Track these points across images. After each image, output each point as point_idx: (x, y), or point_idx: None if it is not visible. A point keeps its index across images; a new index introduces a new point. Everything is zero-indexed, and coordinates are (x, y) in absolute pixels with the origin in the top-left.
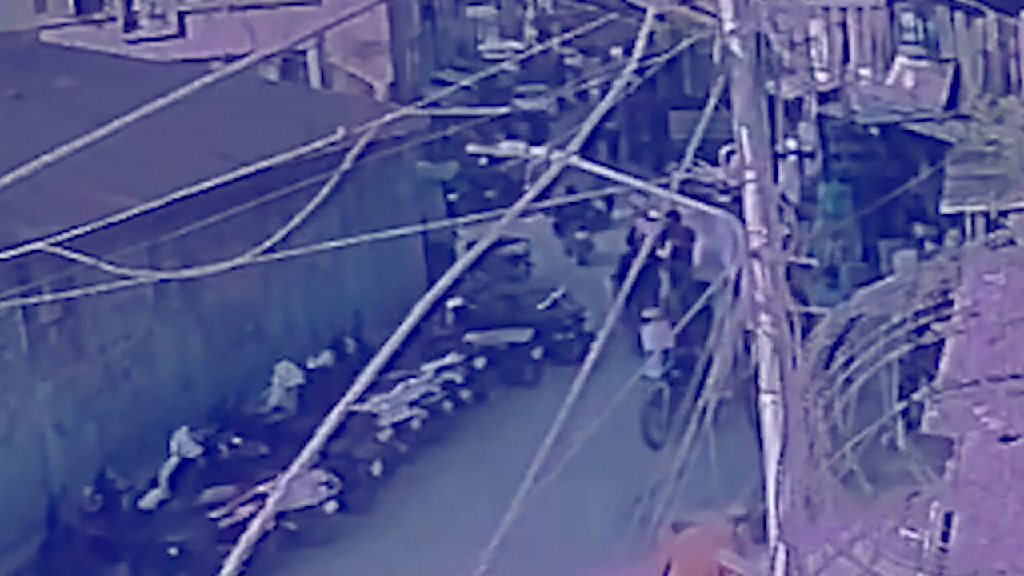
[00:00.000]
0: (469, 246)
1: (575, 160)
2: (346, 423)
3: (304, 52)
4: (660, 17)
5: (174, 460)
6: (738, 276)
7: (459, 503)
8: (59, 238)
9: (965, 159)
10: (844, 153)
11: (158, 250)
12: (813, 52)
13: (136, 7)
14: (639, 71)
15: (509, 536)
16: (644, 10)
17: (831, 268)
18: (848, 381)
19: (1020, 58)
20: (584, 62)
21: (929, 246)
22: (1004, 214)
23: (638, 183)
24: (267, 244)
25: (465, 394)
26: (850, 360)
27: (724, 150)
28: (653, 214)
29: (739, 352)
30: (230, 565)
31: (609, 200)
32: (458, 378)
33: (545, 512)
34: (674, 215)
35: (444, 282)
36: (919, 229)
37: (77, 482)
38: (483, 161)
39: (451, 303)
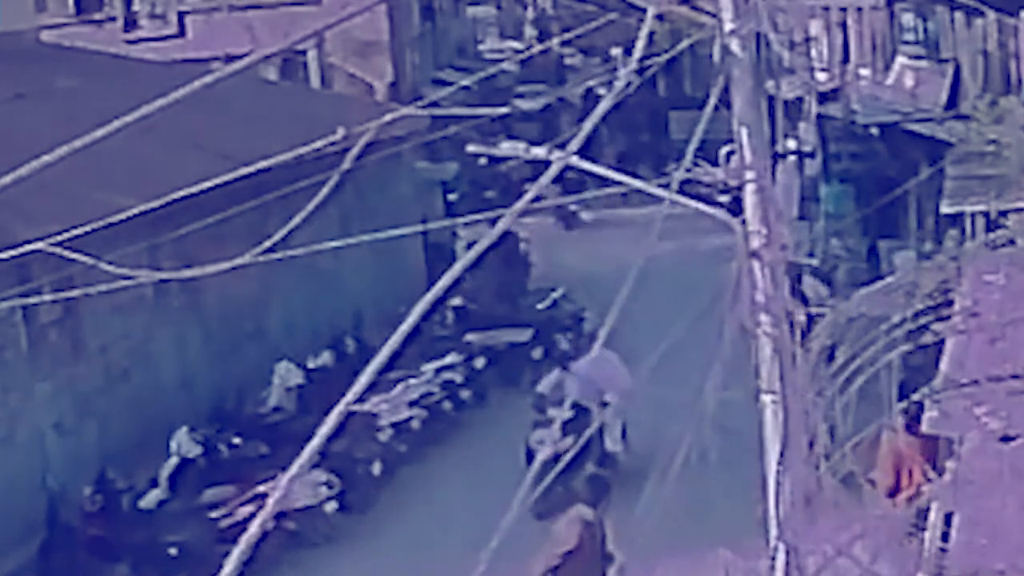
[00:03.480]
0: (469, 246)
1: (575, 160)
2: (346, 423)
3: (304, 52)
4: (660, 17)
5: (174, 460)
6: (738, 276)
7: (459, 503)
8: (59, 238)
9: (965, 159)
10: (844, 153)
11: (158, 250)
12: (813, 52)
13: (136, 7)
14: (639, 71)
15: None
16: (644, 10)
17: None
18: (848, 381)
19: (1020, 58)
20: (584, 62)
21: (929, 246)
22: (1004, 214)
23: (638, 183)
24: (267, 244)
25: (465, 394)
26: (850, 360)
27: (724, 150)
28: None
29: None
30: (230, 565)
31: None
32: (458, 378)
33: None
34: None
35: (444, 282)
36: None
37: (77, 482)
38: (483, 161)
39: (451, 303)
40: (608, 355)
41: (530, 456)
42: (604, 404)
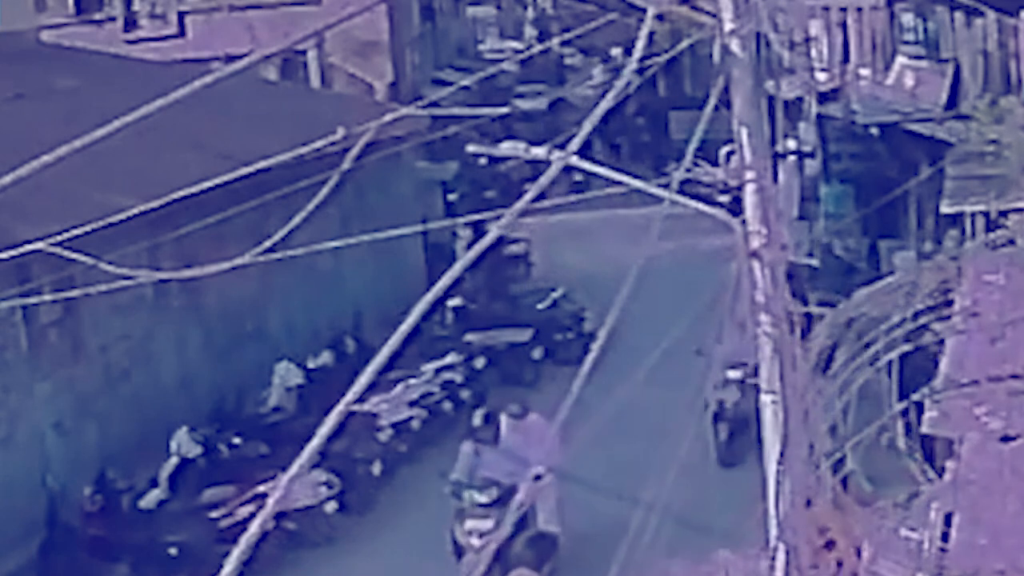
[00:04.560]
0: (469, 246)
1: (575, 160)
2: (346, 423)
3: (304, 52)
4: (660, 17)
5: (174, 460)
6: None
7: None
8: (59, 238)
9: (965, 159)
10: (844, 153)
11: (158, 250)
12: (813, 52)
13: (136, 7)
14: (639, 71)
15: None
16: (644, 10)
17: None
18: (848, 381)
19: (1020, 58)
20: (584, 62)
21: (929, 246)
22: (1004, 214)
23: (638, 183)
24: (267, 244)
25: (465, 394)
26: (850, 360)
27: (724, 150)
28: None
29: None
30: (230, 565)
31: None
32: (458, 378)
33: None
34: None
35: (444, 282)
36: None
37: (77, 482)
38: (483, 161)
39: (451, 303)
40: (535, 421)
41: (459, 549)
42: (537, 477)
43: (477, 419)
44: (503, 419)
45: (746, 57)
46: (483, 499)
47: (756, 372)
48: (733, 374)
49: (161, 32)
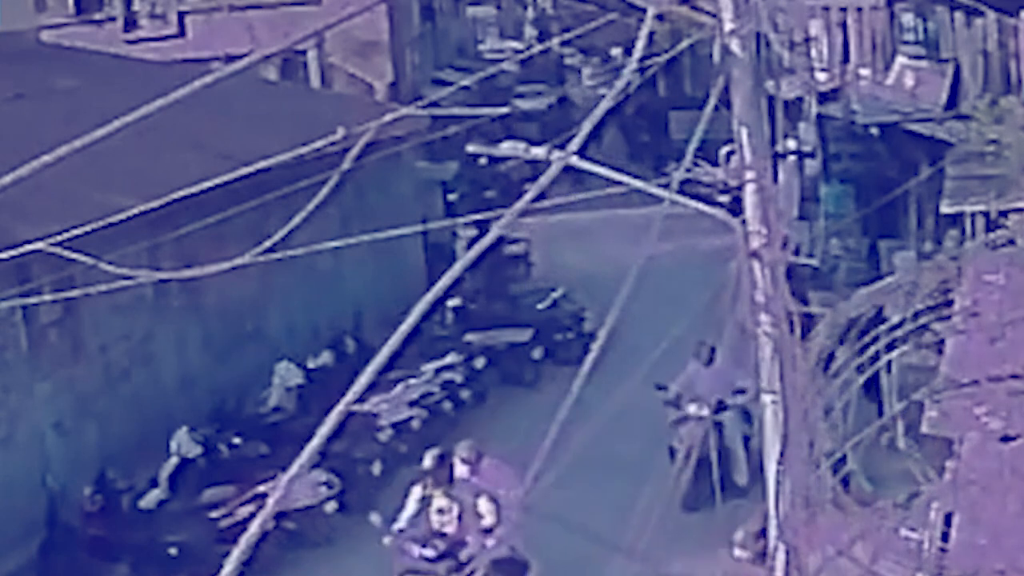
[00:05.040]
0: (469, 246)
1: (575, 160)
2: (346, 423)
3: (304, 52)
4: (660, 17)
5: (174, 460)
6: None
7: None
8: (59, 238)
9: (965, 159)
10: (844, 153)
11: (158, 250)
12: (813, 52)
13: (136, 7)
14: (639, 71)
15: None
16: (644, 10)
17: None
18: (848, 381)
19: (1020, 58)
20: (584, 62)
21: (929, 246)
22: (1004, 214)
23: (638, 183)
24: (267, 244)
25: (465, 394)
26: (850, 360)
27: (724, 150)
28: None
29: None
30: (230, 565)
31: None
32: (458, 378)
33: None
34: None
35: (444, 282)
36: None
37: (77, 482)
38: (483, 161)
39: (451, 303)
40: (490, 465)
41: None
42: (488, 531)
43: (428, 461)
44: (456, 463)
45: (746, 57)
46: (428, 553)
47: (720, 408)
48: (694, 410)
49: (161, 32)
